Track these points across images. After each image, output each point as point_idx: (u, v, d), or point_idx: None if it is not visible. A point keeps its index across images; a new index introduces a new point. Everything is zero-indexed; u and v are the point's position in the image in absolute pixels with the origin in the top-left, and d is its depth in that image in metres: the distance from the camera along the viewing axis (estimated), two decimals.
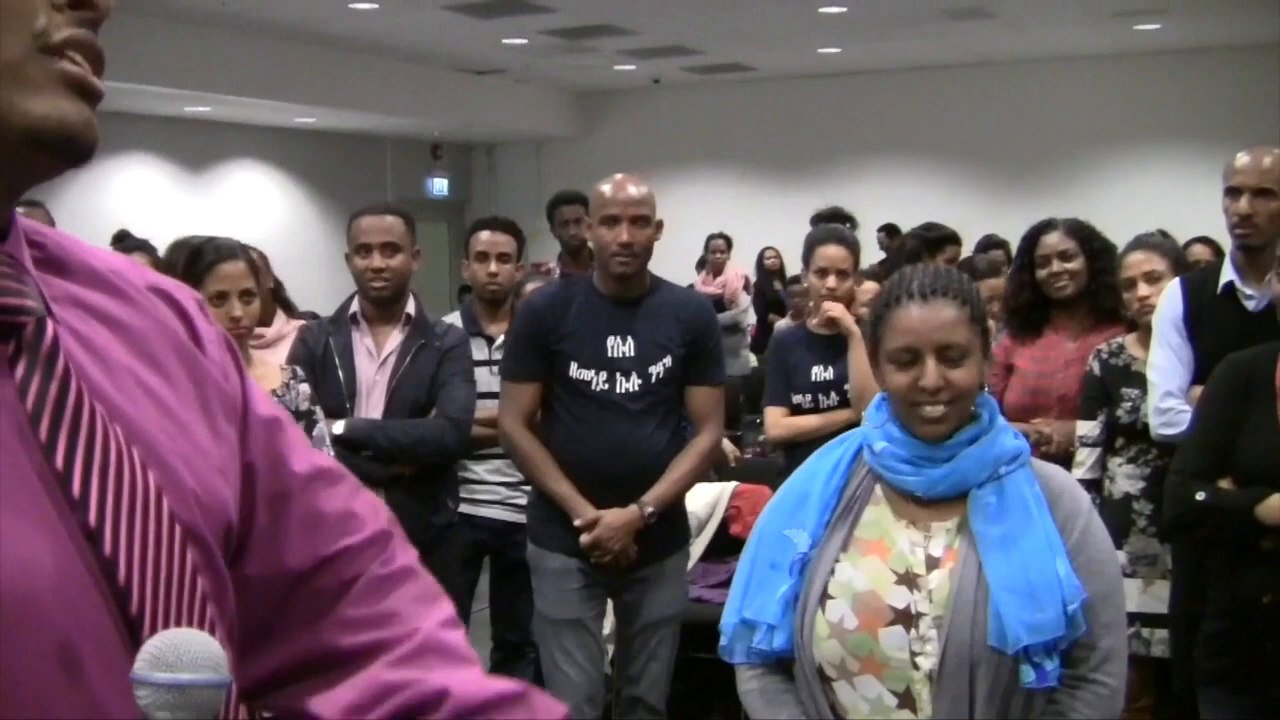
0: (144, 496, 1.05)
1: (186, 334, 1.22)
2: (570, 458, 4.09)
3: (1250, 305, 3.96)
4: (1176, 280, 4.19)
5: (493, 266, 5.12)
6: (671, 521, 4.19)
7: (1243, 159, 4.01)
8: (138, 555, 1.03)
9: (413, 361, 4.39)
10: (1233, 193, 3.98)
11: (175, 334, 1.20)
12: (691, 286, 12.08)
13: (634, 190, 4.14)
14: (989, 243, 8.17)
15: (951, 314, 2.38)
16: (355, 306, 4.52)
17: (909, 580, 2.36)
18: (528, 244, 5.48)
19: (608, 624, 4.49)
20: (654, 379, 4.08)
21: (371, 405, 4.37)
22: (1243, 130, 9.64)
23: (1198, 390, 3.76)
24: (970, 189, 14.70)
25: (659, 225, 4.21)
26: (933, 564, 2.37)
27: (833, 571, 2.41)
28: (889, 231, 11.89)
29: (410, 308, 4.50)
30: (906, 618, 2.33)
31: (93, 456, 1.03)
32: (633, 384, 4.07)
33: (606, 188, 4.17)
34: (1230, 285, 4.02)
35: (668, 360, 4.09)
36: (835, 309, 4.75)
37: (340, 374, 4.37)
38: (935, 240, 6.79)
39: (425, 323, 4.52)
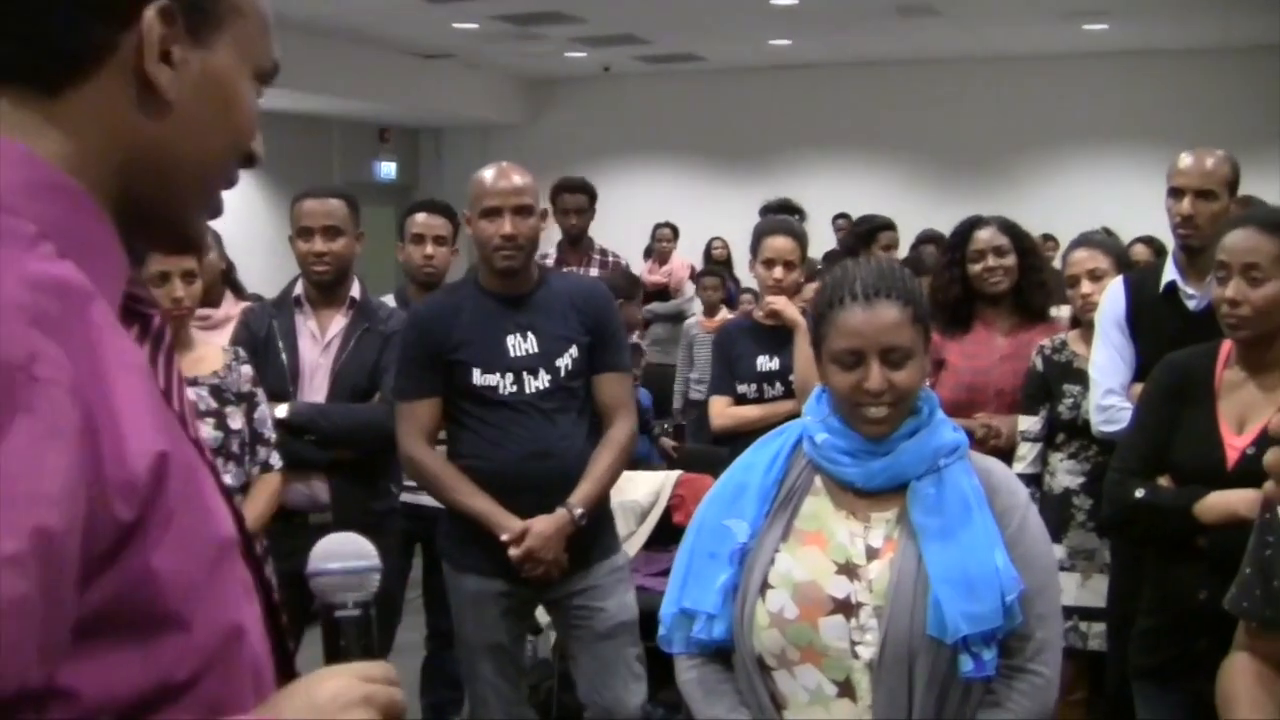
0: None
1: None
2: (485, 469, 3.84)
3: (1191, 305, 4.01)
4: (1119, 279, 4.22)
5: (428, 249, 5.07)
6: (599, 525, 3.98)
7: (1186, 160, 4.05)
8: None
9: (356, 345, 4.35)
10: (1175, 193, 4.02)
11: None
12: (639, 275, 12.15)
13: (517, 179, 3.90)
14: (924, 237, 8.19)
15: (895, 315, 2.37)
16: (299, 289, 4.47)
17: (849, 570, 2.37)
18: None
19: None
20: (562, 373, 3.87)
21: (314, 389, 4.33)
22: (1186, 132, 9.72)
23: (1139, 388, 3.80)
24: (917, 184, 14.76)
25: (544, 214, 4.04)
26: (872, 554, 2.38)
27: (772, 561, 2.42)
28: (846, 220, 11.90)
29: (354, 291, 4.45)
30: (846, 607, 2.34)
31: (198, 431, 1.22)
32: (542, 381, 3.84)
33: (487, 176, 3.92)
34: (1172, 285, 4.05)
35: (573, 351, 3.89)
36: (778, 302, 4.73)
37: (283, 357, 4.33)
38: (867, 232, 6.79)
39: (369, 306, 4.48)
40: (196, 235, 1.25)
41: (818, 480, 2.50)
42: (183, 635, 1.04)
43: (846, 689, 2.34)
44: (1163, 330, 3.93)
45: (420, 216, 5.15)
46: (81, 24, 1.07)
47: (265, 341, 4.34)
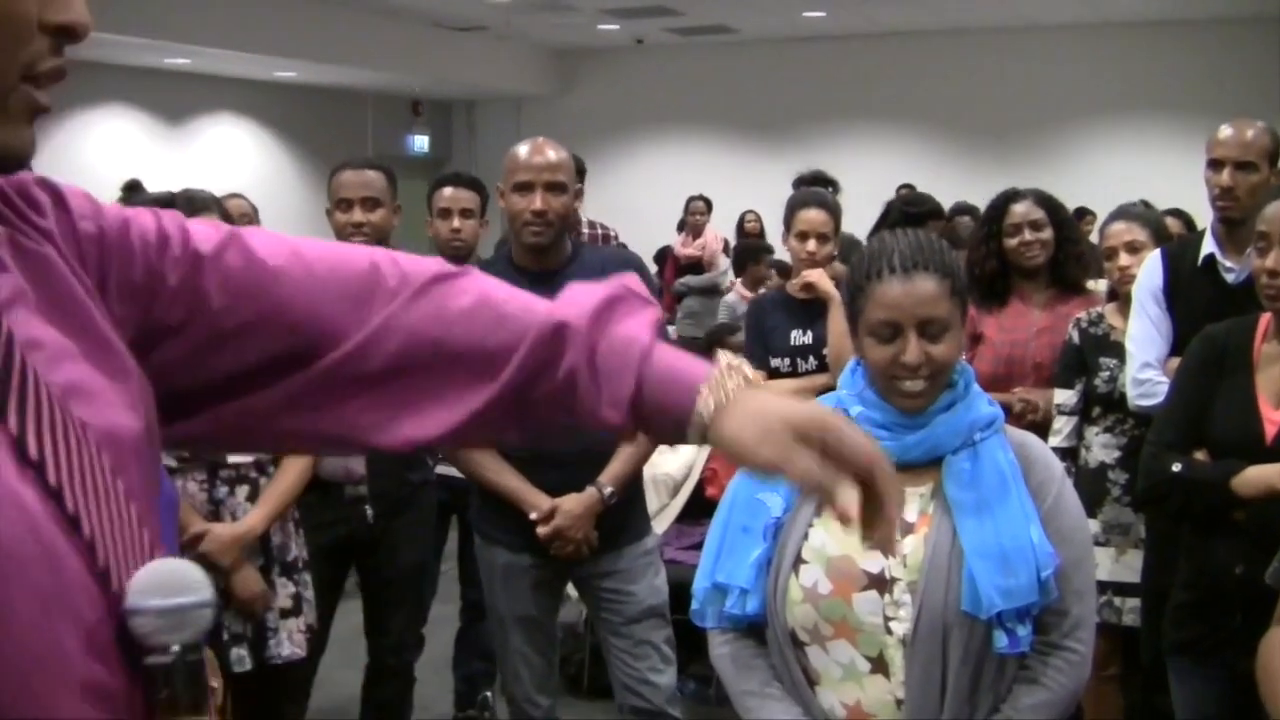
0: (90, 454, 1.12)
1: (68, 266, 1.22)
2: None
3: (1229, 278, 3.97)
4: (1157, 251, 4.19)
5: (455, 222, 5.00)
6: (630, 506, 3.92)
7: (1226, 131, 4.01)
8: (95, 510, 1.10)
9: None
10: (1215, 165, 3.99)
11: (62, 280, 1.21)
12: (670, 248, 12.11)
13: (551, 155, 3.84)
14: (959, 209, 8.14)
15: (933, 288, 2.35)
16: None
17: None
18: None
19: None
20: None
21: None
22: (1221, 104, 9.63)
23: (1175, 361, 3.78)
24: (951, 156, 14.69)
25: (579, 193, 3.97)
26: (906, 529, 2.36)
27: (806, 536, 2.41)
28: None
29: None
30: (880, 583, 2.33)
31: (41, 418, 1.09)
32: None
33: (522, 151, 3.87)
34: (1210, 257, 4.02)
35: None
36: (813, 274, 4.71)
37: None
38: (917, 215, 6.75)
39: None
40: (5, 147, 1.12)
41: None
42: None
43: (880, 665, 2.33)
44: (1200, 303, 3.89)
45: (447, 190, 5.11)
46: None
47: None
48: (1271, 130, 4.03)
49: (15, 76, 1.09)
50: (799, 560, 2.40)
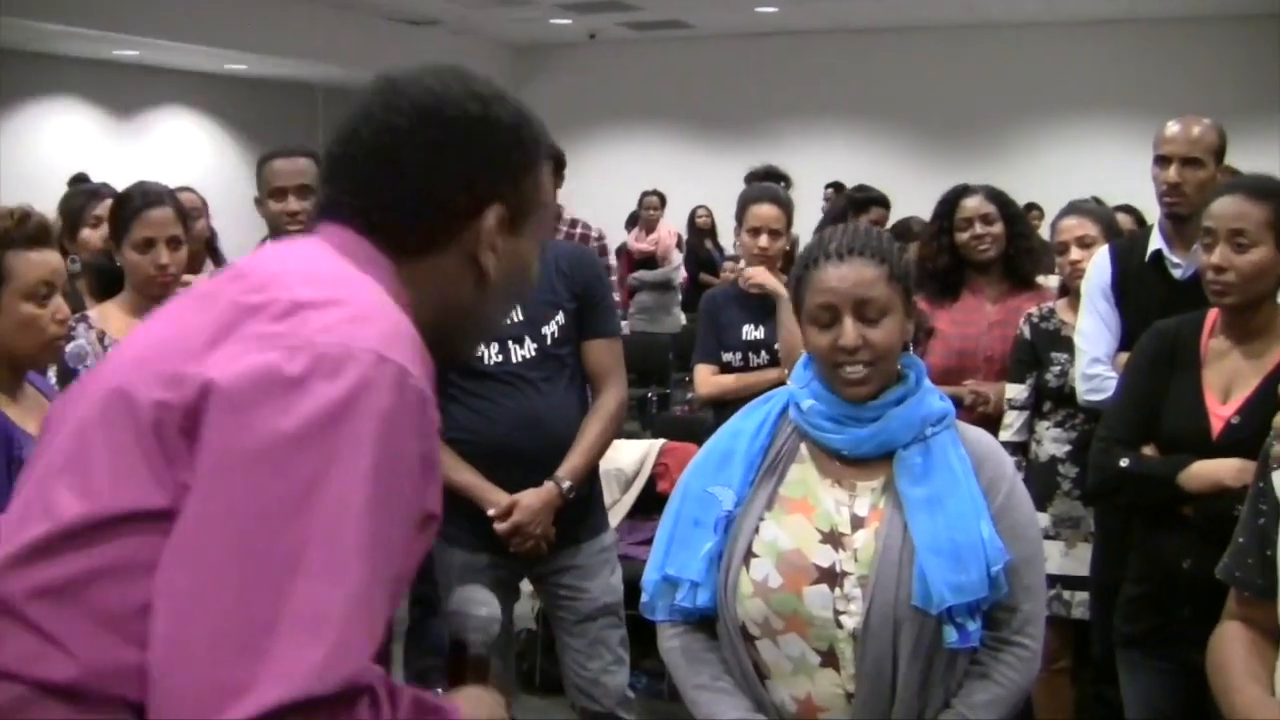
0: None
1: None
2: (474, 442, 3.70)
3: (1177, 274, 4.00)
4: (1105, 248, 4.22)
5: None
6: (589, 501, 3.91)
7: (1173, 128, 4.03)
8: None
9: None
10: (1162, 161, 4.01)
11: None
12: (624, 244, 12.09)
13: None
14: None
15: (868, 272, 2.37)
16: None
17: (834, 539, 2.36)
18: None
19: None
20: (549, 340, 3.77)
21: None
22: (1175, 101, 9.66)
23: (1124, 357, 3.80)
24: (905, 152, 14.75)
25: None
26: (858, 523, 2.37)
27: (757, 530, 2.41)
28: (836, 189, 11.88)
29: None
30: (831, 577, 2.33)
31: None
32: (528, 350, 3.75)
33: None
34: (1158, 253, 4.04)
35: (559, 317, 3.79)
36: (759, 274, 4.68)
37: None
38: (862, 201, 6.80)
39: None
40: (473, 357, 1.73)
41: (804, 448, 2.49)
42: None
43: (830, 659, 2.33)
44: (1148, 299, 3.92)
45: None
46: (444, 216, 1.53)
47: None
48: (1218, 127, 4.05)
49: None
50: (750, 554, 2.39)
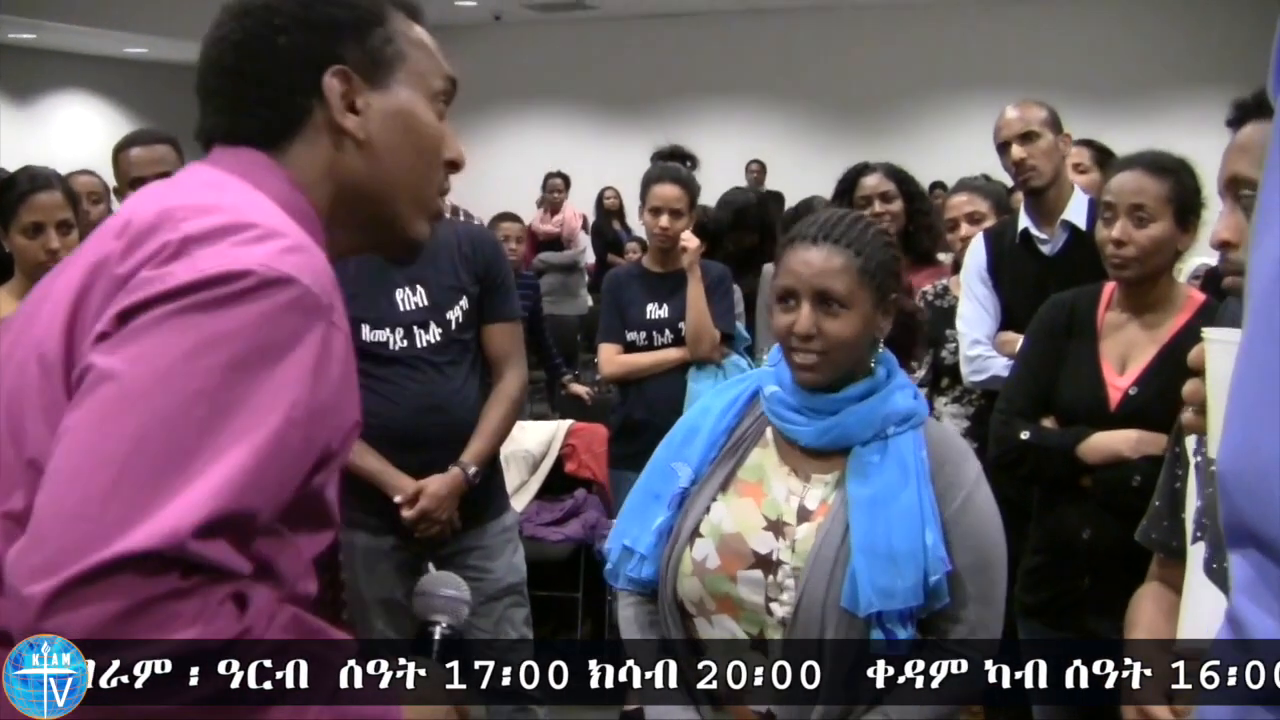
0: None
1: None
2: (380, 426, 3.58)
3: (1045, 249, 4.11)
4: (980, 234, 4.30)
5: None
6: (491, 482, 3.89)
7: (1004, 116, 4.21)
8: None
9: None
10: (1003, 148, 4.15)
11: None
12: (530, 225, 12.05)
13: None
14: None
15: (837, 261, 2.33)
16: None
17: (777, 528, 2.35)
18: None
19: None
20: (453, 325, 3.75)
21: None
22: (1076, 78, 9.87)
23: (1005, 335, 3.93)
24: (809, 131, 14.82)
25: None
26: (804, 515, 2.35)
27: (707, 510, 2.40)
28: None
29: None
30: (766, 564, 2.32)
31: None
32: (433, 335, 3.73)
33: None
34: (1025, 232, 4.14)
35: (463, 302, 3.77)
36: (692, 243, 4.74)
37: None
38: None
39: None
40: (418, 238, 1.61)
41: (768, 433, 2.46)
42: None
43: (759, 643, 2.32)
44: (1022, 277, 4.05)
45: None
46: (288, 93, 1.53)
47: None
48: (1045, 104, 4.22)
49: (437, 187, 1.63)
50: (696, 533, 2.38)
